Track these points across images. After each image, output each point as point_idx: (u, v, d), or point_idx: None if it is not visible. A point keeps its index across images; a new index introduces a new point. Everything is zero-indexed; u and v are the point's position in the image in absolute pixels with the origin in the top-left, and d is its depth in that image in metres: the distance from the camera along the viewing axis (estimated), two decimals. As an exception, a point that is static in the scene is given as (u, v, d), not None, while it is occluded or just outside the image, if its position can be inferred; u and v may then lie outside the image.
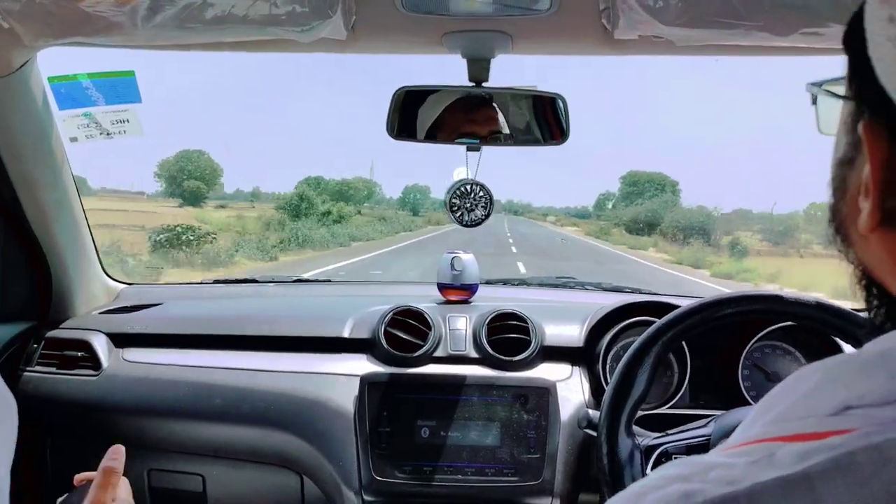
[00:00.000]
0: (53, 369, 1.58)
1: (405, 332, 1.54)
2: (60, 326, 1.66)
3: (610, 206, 67.23)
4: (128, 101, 1.45)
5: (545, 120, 1.29)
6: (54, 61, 1.38)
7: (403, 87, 1.21)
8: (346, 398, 1.45)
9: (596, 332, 1.56)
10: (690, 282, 16.97)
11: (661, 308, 1.49)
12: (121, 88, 1.43)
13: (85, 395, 1.54)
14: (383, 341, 1.51)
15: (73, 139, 1.47)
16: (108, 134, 1.48)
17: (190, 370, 1.54)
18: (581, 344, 1.55)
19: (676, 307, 1.19)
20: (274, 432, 1.46)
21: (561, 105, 1.26)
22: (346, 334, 1.57)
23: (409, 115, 1.24)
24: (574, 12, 1.12)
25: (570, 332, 1.58)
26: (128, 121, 1.48)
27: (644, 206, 45.81)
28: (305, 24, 1.12)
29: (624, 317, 1.54)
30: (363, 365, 1.51)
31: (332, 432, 1.42)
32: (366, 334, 1.56)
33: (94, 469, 0.97)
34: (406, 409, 1.42)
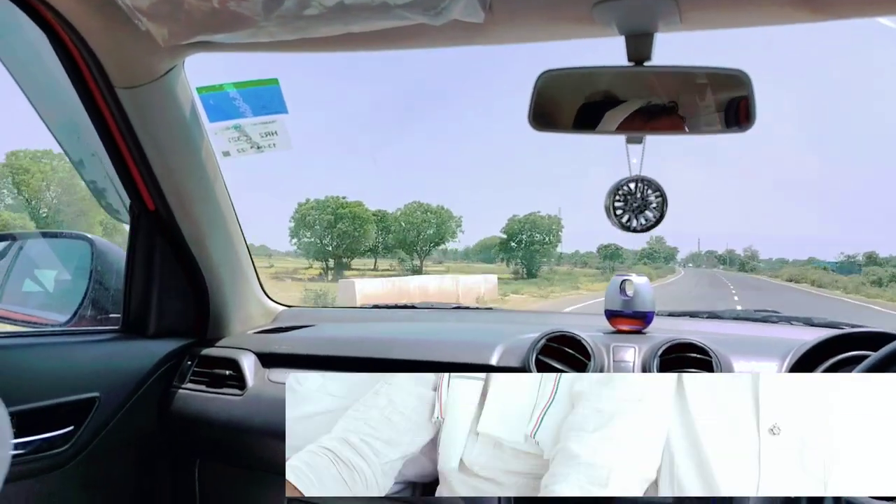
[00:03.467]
0: (203, 387, 1.58)
1: (561, 361, 1.35)
2: (215, 345, 1.66)
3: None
4: (274, 111, 1.42)
5: (725, 103, 1.06)
6: (202, 74, 1.38)
7: (547, 71, 1.04)
8: None
9: (799, 370, 1.27)
10: None
11: (880, 340, 1.19)
12: (266, 98, 1.40)
13: (229, 414, 1.51)
14: (534, 371, 1.33)
15: (226, 153, 1.47)
16: (258, 147, 1.46)
17: None
18: None
19: None
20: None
21: (745, 84, 1.03)
22: (493, 362, 1.42)
23: (553, 102, 1.06)
24: None
25: (767, 370, 1.30)
26: (276, 133, 1.45)
27: None
28: (436, 4, 1.01)
29: (836, 352, 1.23)
30: None
31: None
32: (515, 363, 1.40)
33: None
34: None
